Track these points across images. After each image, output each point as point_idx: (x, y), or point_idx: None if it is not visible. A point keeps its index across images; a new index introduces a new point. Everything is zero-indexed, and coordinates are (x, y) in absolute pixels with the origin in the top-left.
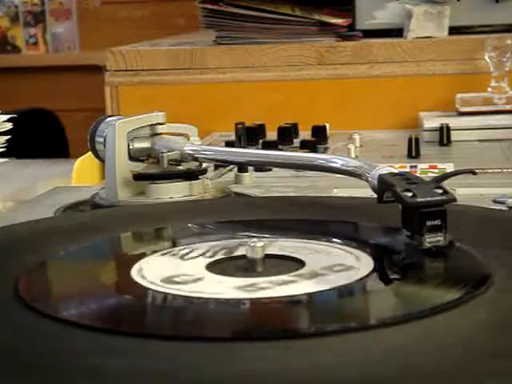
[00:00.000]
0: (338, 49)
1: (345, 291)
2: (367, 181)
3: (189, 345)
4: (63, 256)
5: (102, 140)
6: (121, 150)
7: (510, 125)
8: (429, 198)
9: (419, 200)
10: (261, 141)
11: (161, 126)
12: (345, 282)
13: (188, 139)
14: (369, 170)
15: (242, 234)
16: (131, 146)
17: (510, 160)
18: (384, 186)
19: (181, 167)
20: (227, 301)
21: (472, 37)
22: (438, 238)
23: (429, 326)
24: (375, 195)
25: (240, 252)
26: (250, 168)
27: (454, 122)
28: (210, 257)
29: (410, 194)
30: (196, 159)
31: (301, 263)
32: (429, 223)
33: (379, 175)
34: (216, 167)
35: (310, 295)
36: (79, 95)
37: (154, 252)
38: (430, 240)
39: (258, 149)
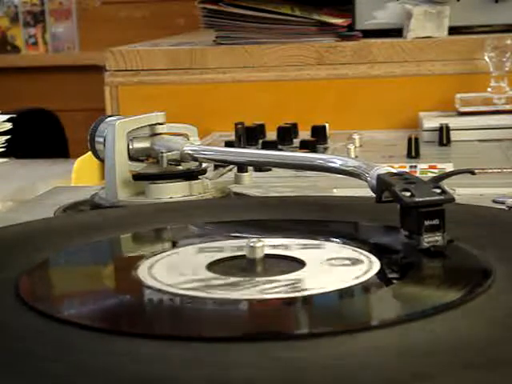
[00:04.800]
0: (338, 49)
1: (345, 292)
2: (366, 181)
3: (189, 345)
4: (63, 256)
5: (101, 140)
6: (121, 150)
7: (510, 125)
8: (427, 198)
9: (417, 200)
10: (261, 141)
11: (161, 125)
12: (345, 282)
13: (188, 139)
14: (367, 169)
15: (241, 234)
16: (131, 146)
17: (509, 160)
18: (382, 185)
19: (180, 167)
20: (227, 301)
21: (472, 37)
22: (437, 238)
23: (430, 326)
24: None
25: (240, 252)
26: (250, 168)
27: (453, 121)
28: (210, 257)
29: (408, 194)
30: (196, 159)
31: (301, 263)
32: (427, 223)
33: (378, 175)
34: (216, 167)
35: (310, 296)
36: (79, 95)
37: (154, 252)
38: (429, 240)
39: (257, 149)
